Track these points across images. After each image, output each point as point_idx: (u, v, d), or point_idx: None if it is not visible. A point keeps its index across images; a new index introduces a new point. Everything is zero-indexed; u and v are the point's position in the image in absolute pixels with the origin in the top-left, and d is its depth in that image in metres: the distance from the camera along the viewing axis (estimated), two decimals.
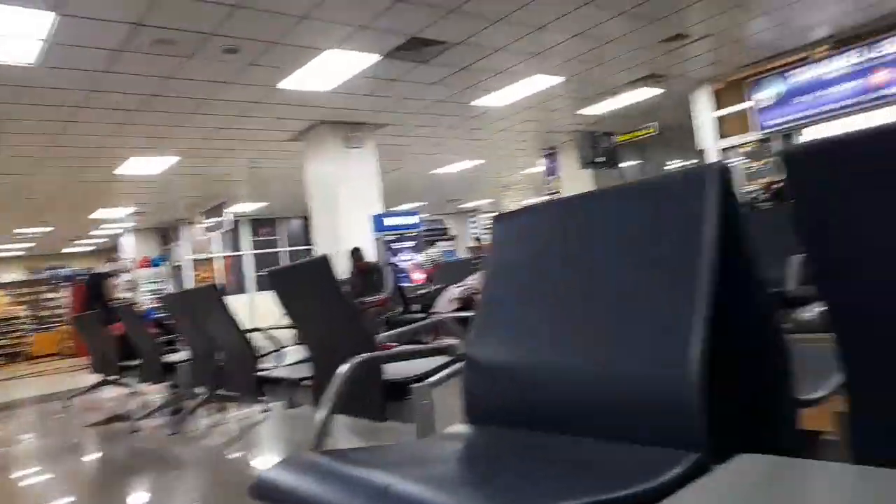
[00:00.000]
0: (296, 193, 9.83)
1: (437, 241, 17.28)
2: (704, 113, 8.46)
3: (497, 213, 1.40)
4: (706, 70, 7.79)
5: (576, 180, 10.62)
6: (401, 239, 8.73)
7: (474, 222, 19.46)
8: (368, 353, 1.18)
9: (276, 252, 15.51)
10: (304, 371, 2.06)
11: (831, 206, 0.95)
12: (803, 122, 7.41)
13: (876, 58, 6.69)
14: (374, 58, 5.86)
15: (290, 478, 0.97)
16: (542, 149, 11.33)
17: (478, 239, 14.45)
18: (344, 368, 1.10)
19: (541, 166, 11.79)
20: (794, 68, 7.38)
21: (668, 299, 1.07)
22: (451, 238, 18.82)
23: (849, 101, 6.95)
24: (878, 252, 0.94)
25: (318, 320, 1.86)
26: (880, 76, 6.67)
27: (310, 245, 10.89)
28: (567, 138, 10.35)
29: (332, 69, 6.06)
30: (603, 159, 9.75)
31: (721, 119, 8.38)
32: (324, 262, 1.68)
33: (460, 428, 1.17)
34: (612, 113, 9.11)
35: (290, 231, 15.80)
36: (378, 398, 1.69)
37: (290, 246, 15.63)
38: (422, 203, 15.59)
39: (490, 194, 16.89)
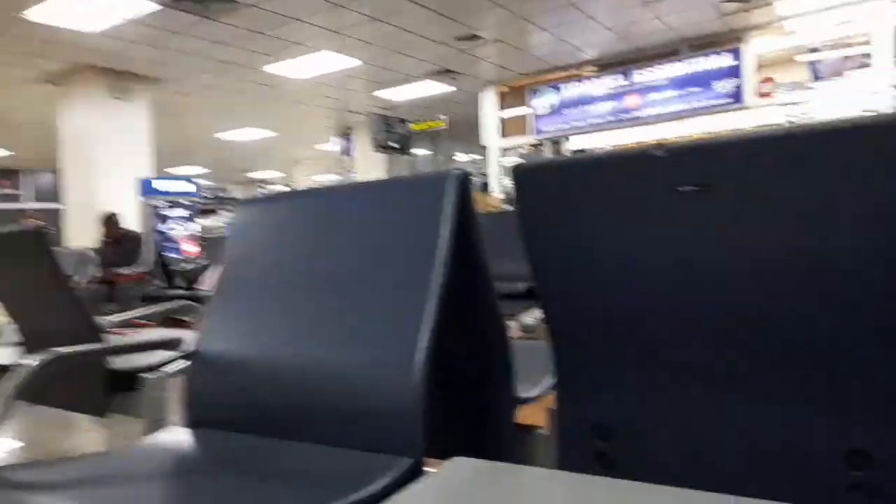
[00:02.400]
0: (50, 143, 8.51)
1: (220, 210, 16.20)
2: (490, 112, 9.03)
3: (242, 199, 1.32)
4: (494, 72, 8.30)
5: (370, 162, 10.67)
6: (174, 206, 7.99)
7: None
8: (68, 348, 1.02)
9: (23, 209, 13.33)
10: (11, 357, 1.76)
11: (542, 218, 1.03)
12: (570, 131, 8.27)
13: (629, 84, 7.71)
14: (152, 5, 5.26)
15: None
16: (337, 127, 11.19)
17: None
18: (32, 362, 0.94)
19: (336, 144, 11.64)
20: (567, 83, 8.19)
21: (398, 302, 1.08)
22: None
23: (608, 118, 7.91)
24: (574, 262, 1.04)
25: (29, 301, 1.60)
26: (632, 100, 7.70)
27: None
28: (363, 119, 10.34)
29: (100, 8, 5.31)
30: (396, 145, 9.92)
31: (504, 120, 9.01)
32: (36, 236, 1.44)
33: (173, 432, 1.08)
34: (408, 101, 9.29)
35: (39, 186, 13.68)
36: (99, 391, 1.50)
37: (37, 202, 13.53)
38: (205, 170, 14.51)
39: (281, 167, 16.28)
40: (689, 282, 0.97)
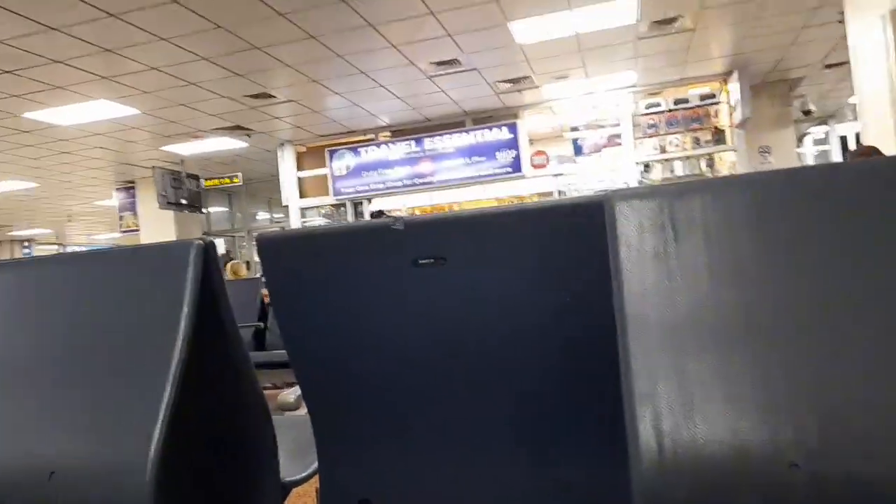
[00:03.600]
0: None
1: None
2: (288, 172, 8.90)
3: None
4: (290, 132, 8.24)
5: (157, 220, 9.84)
6: None
7: (30, 254, 16.24)
8: None
9: None
10: None
11: (287, 289, 1.01)
12: (369, 193, 8.44)
13: (421, 151, 8.14)
14: None
15: None
16: (118, 181, 10.22)
17: None
18: None
19: (116, 199, 10.59)
20: (365, 146, 8.41)
21: (136, 386, 0.96)
22: None
23: (405, 181, 8.23)
24: (321, 333, 1.03)
25: None
26: (425, 166, 8.12)
27: None
28: (147, 174, 9.57)
29: None
30: (186, 202, 9.31)
31: (303, 180, 8.94)
32: None
33: None
34: (199, 156, 8.82)
35: None
36: None
37: None
38: None
39: (51, 224, 14.39)
40: (429, 350, 1.00)
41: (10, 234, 15.08)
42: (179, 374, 0.92)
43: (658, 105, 7.67)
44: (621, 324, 0.77)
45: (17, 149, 7.80)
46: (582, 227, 0.87)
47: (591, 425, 0.98)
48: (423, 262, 0.95)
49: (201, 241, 1.04)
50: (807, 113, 8.63)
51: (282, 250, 1.01)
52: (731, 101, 7.38)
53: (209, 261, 1.03)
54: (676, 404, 0.71)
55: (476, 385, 1.01)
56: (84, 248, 15.18)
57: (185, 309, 0.97)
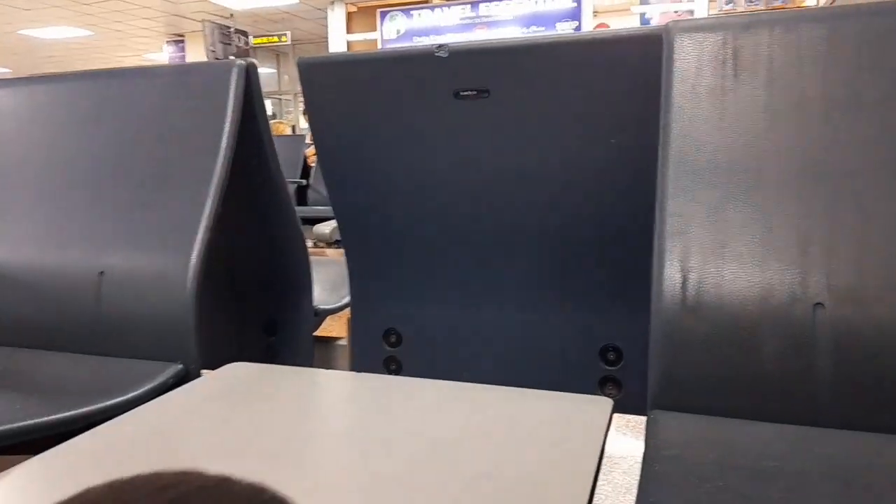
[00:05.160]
0: None
1: None
2: (337, 33, 8.63)
3: None
4: None
5: None
6: None
7: None
8: None
9: None
10: None
11: (328, 116, 1.00)
12: None
13: (476, 17, 7.73)
14: None
15: None
16: (168, 34, 10.11)
17: None
18: None
19: (166, 53, 10.54)
20: (418, 8, 8.02)
21: (178, 199, 0.99)
22: None
23: None
24: (359, 164, 1.03)
25: None
26: (479, 32, 7.75)
27: None
28: (197, 27, 9.42)
29: None
30: (234, 58, 9.21)
31: (352, 43, 8.67)
32: None
33: None
34: (248, 10, 8.59)
35: None
36: None
37: None
38: (3, 69, 12.55)
39: None
40: (467, 186, 0.99)
41: None
42: (220, 187, 0.94)
43: None
44: (664, 162, 0.74)
45: None
46: (637, 60, 0.82)
47: (618, 272, 0.98)
48: (466, 93, 0.92)
49: (243, 62, 1.03)
50: None
51: (324, 75, 0.99)
52: None
53: (250, 81, 1.02)
54: (708, 242, 0.69)
55: (508, 226, 1.01)
56: None
57: (227, 125, 0.97)
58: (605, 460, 0.64)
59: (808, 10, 0.75)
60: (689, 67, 0.76)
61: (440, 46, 0.90)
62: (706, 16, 7.07)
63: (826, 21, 0.73)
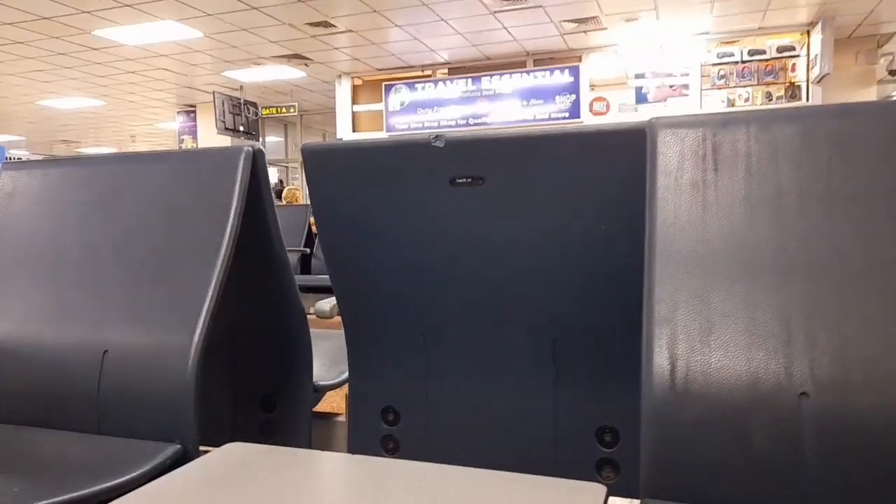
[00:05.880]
0: None
1: None
2: (344, 104, 8.92)
3: (8, 162, 1.19)
4: (348, 64, 8.21)
5: (216, 145, 10.09)
6: None
7: None
8: None
9: None
10: None
11: (329, 199, 1.04)
12: (423, 130, 8.41)
13: (478, 90, 8.01)
14: None
15: None
16: (179, 104, 10.46)
17: None
18: None
19: (177, 122, 10.88)
20: (422, 82, 8.32)
21: (184, 278, 1.03)
22: None
23: (459, 121, 8.15)
24: (359, 245, 1.06)
25: None
26: (481, 106, 8.01)
27: None
28: (208, 99, 9.76)
29: None
30: (244, 129, 9.49)
31: (358, 113, 8.95)
32: None
33: None
34: (257, 84, 8.92)
35: None
36: None
37: None
38: (20, 138, 12.91)
39: (115, 143, 14.92)
40: (463, 267, 1.02)
41: (76, 150, 15.73)
42: (225, 266, 0.98)
43: (731, 55, 7.28)
44: (650, 250, 0.77)
45: (87, 66, 8.05)
46: (623, 152, 0.87)
47: (612, 353, 0.99)
48: (461, 181, 0.97)
49: (250, 147, 1.08)
50: (893, 73, 8.06)
51: (326, 161, 1.04)
52: (810, 55, 6.95)
53: (257, 165, 1.07)
54: (694, 330, 0.72)
55: (503, 308, 1.04)
56: None
57: (234, 207, 1.02)
58: None
59: (782, 109, 0.81)
60: (672, 161, 0.80)
61: (437, 137, 0.95)
62: (698, 91, 7.32)
63: (799, 120, 0.77)
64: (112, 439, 0.94)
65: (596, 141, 0.89)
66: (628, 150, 0.85)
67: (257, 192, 1.07)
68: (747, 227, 0.75)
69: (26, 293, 1.08)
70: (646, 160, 0.82)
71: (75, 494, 0.74)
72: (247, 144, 1.09)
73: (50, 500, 0.72)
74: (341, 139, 9.08)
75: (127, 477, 0.80)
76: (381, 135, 8.69)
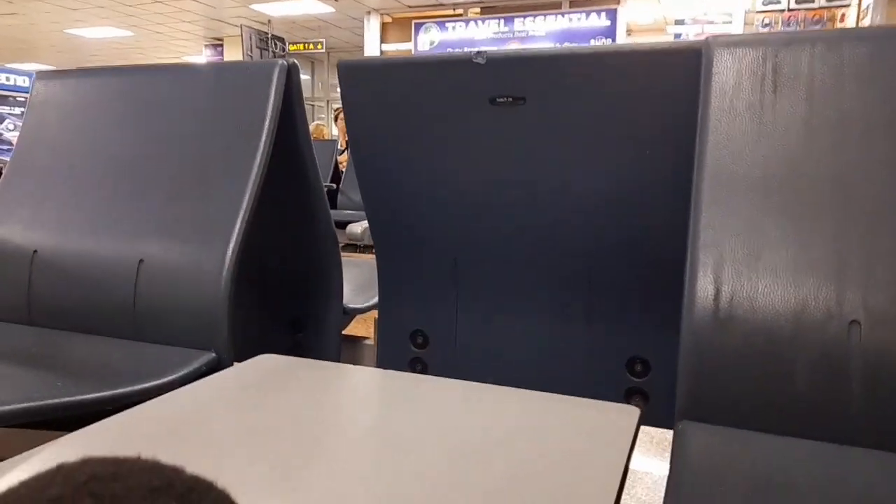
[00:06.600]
0: None
1: None
2: (372, 43, 8.74)
3: (44, 71, 1.17)
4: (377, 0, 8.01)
5: None
6: (6, 103, 7.03)
7: None
8: None
9: None
10: None
11: (364, 118, 1.02)
12: None
13: (510, 32, 7.77)
14: None
15: None
16: (207, 37, 10.33)
17: None
18: None
19: (205, 56, 10.77)
20: (453, 21, 8.09)
21: (217, 193, 1.02)
22: None
23: None
24: (393, 166, 1.04)
25: None
26: (513, 47, 7.78)
27: None
28: (236, 32, 9.61)
29: None
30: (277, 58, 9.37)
31: (386, 53, 8.77)
32: None
33: None
34: (285, 18, 8.74)
35: None
36: None
37: None
38: (49, 67, 12.92)
39: None
40: (499, 192, 1.00)
41: None
42: (258, 183, 0.97)
43: (778, 1, 6.94)
44: (699, 174, 0.74)
45: None
46: (675, 73, 0.83)
47: (647, 283, 0.97)
48: (502, 100, 0.93)
49: (285, 62, 1.05)
50: None
51: (362, 78, 1.01)
52: (862, 5, 6.60)
53: (291, 81, 1.04)
54: (742, 256, 0.69)
55: (539, 234, 1.02)
56: None
57: (267, 123, 1.00)
58: (629, 474, 0.64)
59: (852, 29, 0.75)
60: (728, 81, 0.76)
61: (479, 53, 0.91)
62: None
63: (870, 41, 0.72)
64: (149, 346, 0.96)
65: (649, 60, 0.85)
66: (683, 71, 0.81)
67: (290, 108, 1.05)
68: (805, 153, 0.71)
69: (63, 203, 1.09)
70: (700, 82, 0.78)
71: (117, 391, 0.75)
72: (280, 59, 1.06)
73: (92, 395, 0.74)
74: None
75: (165, 379, 0.82)
76: None
